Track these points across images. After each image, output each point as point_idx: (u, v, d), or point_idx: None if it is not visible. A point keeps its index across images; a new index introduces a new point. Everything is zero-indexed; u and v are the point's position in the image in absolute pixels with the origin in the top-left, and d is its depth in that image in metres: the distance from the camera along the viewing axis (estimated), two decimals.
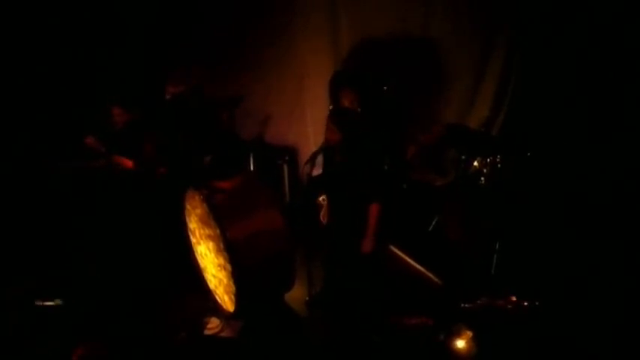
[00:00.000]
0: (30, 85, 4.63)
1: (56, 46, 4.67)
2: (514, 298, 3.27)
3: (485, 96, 4.67)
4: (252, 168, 4.90)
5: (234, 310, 3.36)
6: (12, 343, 3.27)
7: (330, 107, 4.31)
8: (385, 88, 4.35)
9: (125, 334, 3.33)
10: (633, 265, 3.62)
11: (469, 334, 3.06)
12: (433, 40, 4.62)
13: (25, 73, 4.61)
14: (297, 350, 3.34)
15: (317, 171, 3.80)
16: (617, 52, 4.05)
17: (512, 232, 3.92)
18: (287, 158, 4.98)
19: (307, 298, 3.72)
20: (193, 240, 3.73)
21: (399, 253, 3.75)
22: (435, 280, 3.59)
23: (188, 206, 3.59)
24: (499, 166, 3.95)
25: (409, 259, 3.71)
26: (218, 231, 3.15)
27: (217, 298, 3.62)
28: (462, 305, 3.31)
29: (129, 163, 4.05)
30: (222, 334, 3.46)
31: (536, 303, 3.25)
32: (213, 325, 3.52)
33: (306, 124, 5.10)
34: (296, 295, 3.63)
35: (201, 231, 3.50)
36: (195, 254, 3.74)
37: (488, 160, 3.99)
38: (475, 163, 4.04)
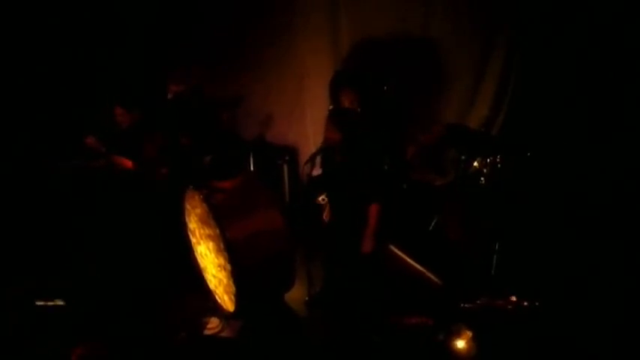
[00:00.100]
0: (30, 85, 4.63)
1: (56, 46, 4.67)
2: (514, 298, 3.27)
3: (485, 96, 4.67)
4: (252, 168, 4.90)
5: (234, 310, 3.36)
6: (12, 343, 3.27)
7: (330, 107, 4.31)
8: (385, 88, 4.35)
9: (125, 334, 3.33)
10: (633, 265, 3.61)
11: (469, 334, 3.05)
12: (433, 40, 4.62)
13: (25, 73, 4.61)
14: (297, 350, 3.33)
15: (317, 171, 3.80)
16: (617, 52, 4.05)
17: (512, 232, 3.92)
18: (287, 158, 4.98)
19: (307, 298, 3.72)
20: (193, 240, 3.73)
21: (399, 253, 3.74)
22: (435, 280, 3.59)
23: (188, 206, 3.59)
24: (499, 166, 3.95)
25: (409, 259, 3.71)
26: (218, 231, 3.15)
27: (217, 298, 3.62)
28: (462, 305, 3.31)
29: (128, 164, 4.05)
30: (222, 334, 3.46)
31: (536, 303, 3.25)
32: (213, 325, 3.52)
33: (306, 124, 5.10)
34: (296, 295, 3.63)
35: (201, 231, 3.50)
36: (195, 254, 3.74)
37: (488, 160, 3.98)
38: (475, 163, 4.04)
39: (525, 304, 3.24)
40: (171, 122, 4.37)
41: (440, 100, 4.78)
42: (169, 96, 4.51)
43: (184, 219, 3.72)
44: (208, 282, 3.68)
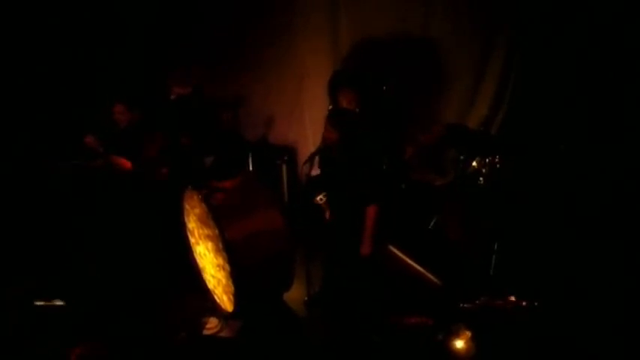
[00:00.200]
0: (30, 85, 4.63)
1: (56, 46, 4.67)
2: (513, 298, 3.27)
3: (485, 96, 4.67)
4: (251, 168, 4.90)
5: (233, 310, 3.36)
6: (12, 343, 3.27)
7: (330, 107, 4.31)
8: (385, 88, 4.35)
9: (125, 334, 3.33)
10: (633, 265, 3.61)
11: (468, 334, 3.05)
12: (433, 40, 4.62)
13: (25, 73, 4.61)
14: (297, 350, 3.33)
15: (316, 171, 3.79)
16: (617, 52, 4.04)
17: (512, 232, 3.91)
18: (286, 158, 4.98)
19: (306, 298, 3.72)
20: (192, 240, 3.73)
21: (399, 253, 3.75)
22: (435, 280, 3.59)
23: (187, 206, 3.59)
24: (498, 166, 3.95)
25: (409, 259, 3.71)
26: (217, 231, 3.15)
27: (216, 298, 3.62)
28: (462, 305, 3.31)
29: (127, 164, 4.05)
30: (221, 334, 3.46)
31: (536, 303, 3.24)
32: (212, 325, 3.52)
33: (306, 124, 5.10)
34: (295, 295, 3.63)
35: (200, 231, 3.50)
36: (194, 254, 3.74)
37: (487, 160, 3.99)
38: (474, 163, 4.04)
39: (524, 304, 3.24)
40: (173, 123, 4.38)
41: (440, 100, 4.78)
42: (172, 97, 4.51)
43: (183, 219, 3.72)
44: (207, 282, 3.68)
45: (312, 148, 4.33)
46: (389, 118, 4.33)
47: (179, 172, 4.18)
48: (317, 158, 3.66)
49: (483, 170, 3.99)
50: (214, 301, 3.63)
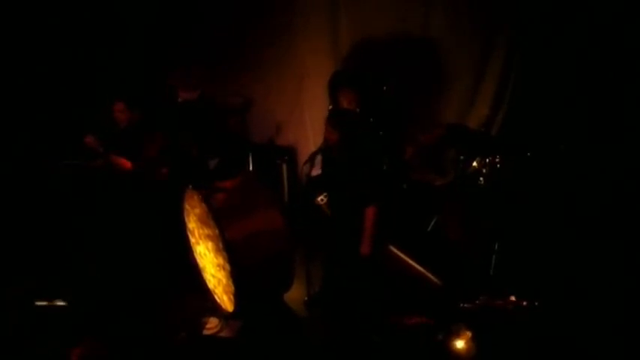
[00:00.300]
0: (30, 85, 4.63)
1: (56, 46, 4.67)
2: (513, 298, 3.27)
3: (485, 96, 4.67)
4: (251, 168, 4.90)
5: (233, 310, 3.36)
6: (12, 343, 3.27)
7: (330, 107, 4.31)
8: (385, 88, 4.35)
9: (125, 334, 3.33)
10: (633, 265, 3.61)
11: (468, 334, 3.05)
12: (433, 40, 4.62)
13: (25, 73, 4.61)
14: (297, 350, 3.33)
15: (316, 171, 3.80)
16: (617, 52, 4.04)
17: (512, 232, 3.91)
18: (286, 158, 4.98)
19: (306, 298, 3.72)
20: (192, 240, 3.72)
21: (399, 253, 3.75)
22: (435, 280, 3.59)
23: (187, 206, 3.59)
24: (498, 166, 3.95)
25: (409, 259, 3.71)
26: (217, 231, 3.15)
27: (216, 297, 3.62)
28: (462, 305, 3.31)
29: (127, 164, 4.05)
30: (222, 334, 3.46)
31: (536, 303, 3.25)
32: (212, 325, 3.52)
33: (306, 124, 5.10)
34: (295, 295, 3.63)
35: (200, 231, 3.50)
36: (194, 254, 3.74)
37: (487, 160, 3.99)
38: (474, 163, 4.04)
39: (525, 304, 3.24)
40: (177, 125, 4.38)
41: (440, 100, 4.78)
42: (179, 100, 4.52)
43: (184, 219, 3.72)
44: (207, 282, 3.68)
45: (312, 148, 4.35)
46: (389, 118, 4.33)
47: (179, 172, 4.18)
48: (317, 158, 3.66)
49: (483, 170, 3.99)
50: (214, 301, 3.63)
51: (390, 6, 4.60)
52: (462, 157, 4.16)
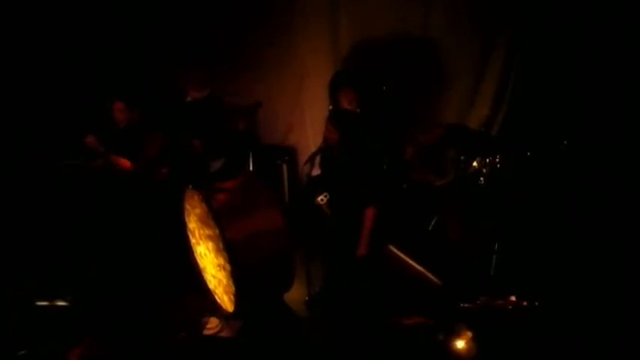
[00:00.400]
0: (30, 85, 4.63)
1: (56, 46, 4.67)
2: (514, 298, 3.26)
3: (485, 96, 4.68)
4: (251, 168, 4.90)
5: (234, 310, 3.36)
6: (12, 343, 3.27)
7: (330, 107, 4.31)
8: (385, 88, 4.35)
9: (125, 334, 3.33)
10: (633, 265, 3.61)
11: (469, 334, 3.05)
12: (433, 40, 4.62)
13: (25, 73, 4.61)
14: (297, 350, 3.33)
15: (316, 171, 3.80)
16: (617, 52, 4.04)
17: (512, 232, 3.91)
18: (286, 158, 4.99)
19: (307, 298, 3.72)
20: (193, 240, 3.72)
21: (399, 253, 3.75)
22: (435, 280, 3.59)
23: (187, 206, 3.59)
24: (499, 166, 3.95)
25: (409, 259, 3.71)
26: (217, 231, 3.15)
27: (217, 298, 3.61)
28: (462, 305, 3.31)
29: (127, 164, 4.05)
30: (222, 334, 3.46)
31: (536, 303, 3.24)
32: (213, 325, 3.52)
33: (306, 124, 5.11)
34: (296, 295, 3.63)
35: (201, 231, 3.50)
36: (195, 254, 3.74)
37: (487, 160, 3.99)
38: (474, 163, 4.04)
39: (525, 304, 3.24)
40: (180, 124, 4.37)
41: (440, 100, 4.78)
42: (188, 99, 4.51)
43: (184, 219, 3.71)
44: (208, 282, 3.68)
45: (312, 148, 4.34)
46: (389, 118, 4.33)
47: (179, 172, 4.18)
48: (318, 158, 3.66)
49: (484, 170, 3.99)
50: (215, 301, 3.63)
51: (390, 6, 4.61)
52: (462, 157, 4.16)
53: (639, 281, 3.49)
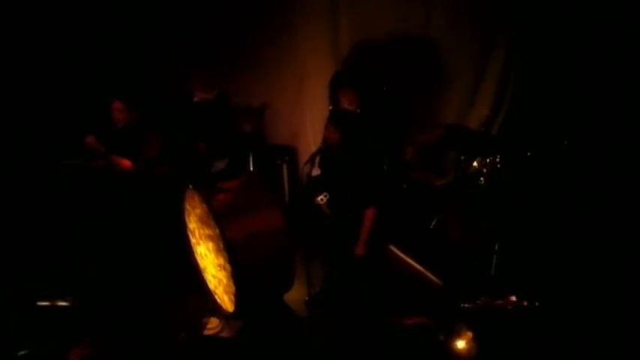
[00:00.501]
0: (30, 85, 4.63)
1: (56, 46, 4.67)
2: (514, 298, 3.27)
3: (485, 96, 4.67)
4: (251, 168, 4.90)
5: (234, 310, 3.36)
6: (12, 343, 3.27)
7: (330, 108, 4.31)
8: (385, 88, 4.35)
9: (125, 334, 3.33)
10: (633, 265, 3.61)
11: (469, 334, 3.05)
12: (433, 40, 4.62)
13: (25, 73, 4.61)
14: (297, 350, 3.33)
15: (316, 171, 3.80)
16: (617, 52, 4.04)
17: (512, 232, 3.91)
18: (287, 158, 4.99)
19: (307, 298, 3.72)
20: (193, 240, 3.73)
21: (399, 253, 3.75)
22: (435, 280, 3.59)
23: (188, 206, 3.59)
24: (499, 166, 3.95)
25: (409, 259, 3.71)
26: (217, 231, 3.15)
27: (217, 298, 3.62)
28: (462, 305, 3.31)
29: (127, 164, 4.05)
30: (222, 334, 3.46)
31: (536, 303, 3.25)
32: (213, 325, 3.52)
33: (306, 125, 5.11)
34: (296, 295, 3.63)
35: (201, 231, 3.50)
36: (195, 254, 3.74)
37: (487, 160, 3.99)
38: (475, 164, 4.04)
39: (525, 304, 3.24)
40: (180, 125, 4.38)
41: (440, 100, 4.78)
42: (195, 100, 4.51)
43: (184, 219, 3.72)
44: (208, 282, 3.68)
45: (312, 148, 4.35)
46: (389, 119, 4.33)
47: (179, 172, 4.18)
48: (318, 158, 3.66)
49: (484, 170, 3.99)
50: (215, 301, 3.63)
51: (390, 6, 4.61)
52: (462, 158, 4.16)
53: (639, 281, 3.49)
